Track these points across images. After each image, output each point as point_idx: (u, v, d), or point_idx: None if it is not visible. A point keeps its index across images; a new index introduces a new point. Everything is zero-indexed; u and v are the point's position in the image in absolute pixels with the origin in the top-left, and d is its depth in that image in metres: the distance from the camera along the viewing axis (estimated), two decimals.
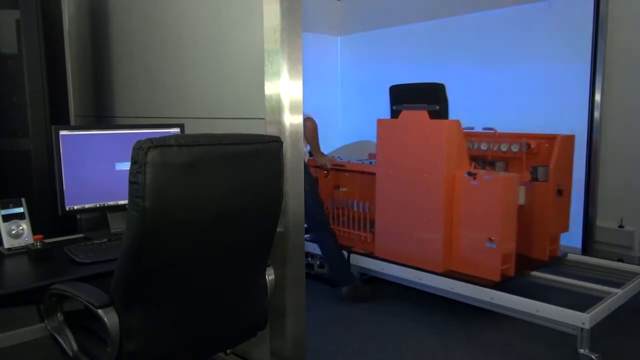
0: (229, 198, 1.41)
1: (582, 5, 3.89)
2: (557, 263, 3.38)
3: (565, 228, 3.43)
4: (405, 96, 3.22)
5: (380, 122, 3.34)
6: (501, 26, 4.40)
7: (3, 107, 2.43)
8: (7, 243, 1.86)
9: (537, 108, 4.18)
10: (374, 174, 3.40)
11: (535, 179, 3.21)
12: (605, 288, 2.80)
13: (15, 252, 1.85)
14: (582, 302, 2.60)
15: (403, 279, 3.23)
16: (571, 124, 3.98)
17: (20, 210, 1.91)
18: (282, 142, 1.55)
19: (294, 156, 2.13)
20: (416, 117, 3.11)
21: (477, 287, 2.84)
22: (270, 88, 2.02)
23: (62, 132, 1.99)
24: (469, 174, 2.92)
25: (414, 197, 3.13)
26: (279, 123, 2.08)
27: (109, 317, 1.34)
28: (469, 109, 4.56)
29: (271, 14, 1.99)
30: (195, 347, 1.51)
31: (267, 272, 1.71)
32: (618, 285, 2.86)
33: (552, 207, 3.21)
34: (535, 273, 3.14)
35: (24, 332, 2.53)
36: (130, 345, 1.35)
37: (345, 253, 3.48)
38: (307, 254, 3.64)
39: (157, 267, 1.33)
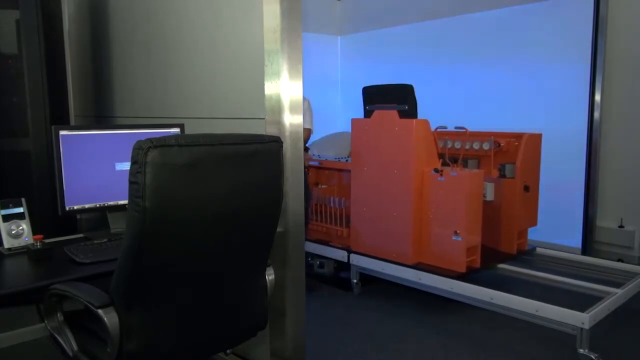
0: (229, 198, 1.41)
1: (582, 5, 3.89)
2: (524, 256, 3.49)
3: (533, 223, 3.56)
4: (377, 97, 3.36)
5: (354, 122, 3.47)
6: (501, 26, 4.40)
7: (3, 107, 2.43)
8: (7, 243, 1.86)
9: (537, 108, 4.18)
10: (349, 170, 3.53)
11: (503, 175, 3.35)
12: (605, 288, 2.80)
13: (15, 252, 1.85)
14: (581, 302, 2.60)
15: (376, 271, 3.35)
16: (571, 124, 3.99)
17: (20, 210, 1.91)
18: (282, 142, 1.55)
19: (294, 156, 2.13)
20: (387, 116, 3.25)
21: (444, 278, 2.96)
22: (270, 88, 2.02)
23: (62, 132, 1.99)
24: (436, 170, 3.05)
25: (386, 192, 3.26)
26: (279, 123, 2.08)
27: (109, 317, 1.34)
28: (469, 108, 4.58)
29: (271, 14, 1.99)
30: (195, 347, 1.51)
31: (267, 272, 1.71)
32: (618, 285, 2.86)
33: (519, 202, 3.36)
34: (501, 265, 3.27)
35: (24, 332, 2.53)
36: (130, 345, 1.35)
37: (345, 253, 3.50)
38: (307, 254, 3.66)
39: (157, 267, 1.33)
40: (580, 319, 2.43)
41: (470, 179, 2.98)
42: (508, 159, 3.37)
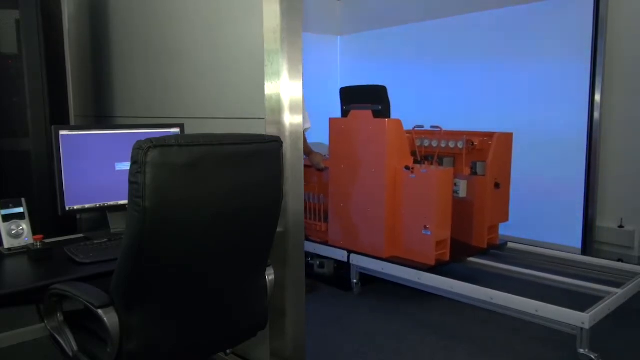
0: (229, 198, 1.41)
1: (582, 6, 3.89)
2: (495, 250, 3.62)
3: (504, 218, 3.68)
4: (353, 97, 3.46)
5: (332, 121, 3.57)
6: (501, 26, 4.40)
7: (3, 107, 2.43)
8: (7, 243, 1.86)
9: (537, 108, 4.18)
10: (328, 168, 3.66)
11: (474, 173, 3.49)
12: (605, 288, 2.80)
13: (15, 252, 1.85)
14: (581, 302, 2.61)
15: (354, 265, 3.46)
16: (571, 124, 3.99)
17: (20, 210, 1.91)
18: (282, 142, 1.55)
19: (294, 156, 2.13)
20: (362, 116, 3.34)
21: (413, 270, 3.10)
22: (270, 88, 2.02)
23: (62, 132, 1.99)
24: (407, 167, 3.16)
25: (362, 189, 3.37)
26: (279, 123, 2.08)
27: (109, 317, 1.34)
28: (470, 108, 4.58)
29: (271, 14, 1.99)
30: (195, 347, 1.51)
31: (267, 272, 1.71)
32: (618, 285, 2.86)
33: (490, 199, 3.48)
34: (471, 259, 3.41)
35: (24, 332, 2.53)
36: (130, 345, 1.35)
37: (346, 253, 3.49)
38: (307, 254, 3.66)
39: (157, 267, 1.33)
40: (580, 319, 2.43)
41: (439, 176, 3.08)
42: (481, 157, 3.48)
